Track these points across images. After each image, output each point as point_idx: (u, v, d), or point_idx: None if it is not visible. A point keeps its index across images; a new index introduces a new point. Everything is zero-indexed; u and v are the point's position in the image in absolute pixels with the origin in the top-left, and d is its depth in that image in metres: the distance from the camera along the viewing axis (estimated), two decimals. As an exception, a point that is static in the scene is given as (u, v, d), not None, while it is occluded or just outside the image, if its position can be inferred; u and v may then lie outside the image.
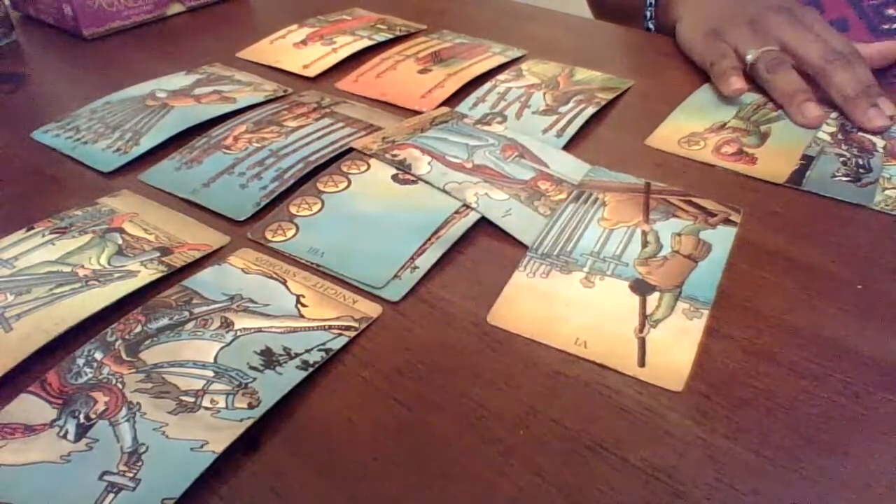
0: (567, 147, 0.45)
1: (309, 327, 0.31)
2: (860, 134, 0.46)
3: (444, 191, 0.40)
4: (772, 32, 0.51)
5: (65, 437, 0.26)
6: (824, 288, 0.34)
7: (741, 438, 0.27)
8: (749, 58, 0.51)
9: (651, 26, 0.66)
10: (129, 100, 0.49)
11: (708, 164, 0.43)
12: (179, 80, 0.52)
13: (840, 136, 0.46)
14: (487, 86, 0.52)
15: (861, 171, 0.42)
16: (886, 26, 0.57)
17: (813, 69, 0.49)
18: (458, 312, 0.33)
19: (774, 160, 0.43)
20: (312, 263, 0.35)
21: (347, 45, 0.58)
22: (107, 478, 0.24)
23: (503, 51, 0.58)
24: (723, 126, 0.47)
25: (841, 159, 0.43)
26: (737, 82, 0.49)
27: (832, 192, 0.40)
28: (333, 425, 0.27)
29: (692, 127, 0.47)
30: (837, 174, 0.42)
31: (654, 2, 0.65)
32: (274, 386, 0.28)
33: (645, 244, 0.36)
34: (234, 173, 0.41)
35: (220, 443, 0.25)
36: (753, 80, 0.51)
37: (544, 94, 0.51)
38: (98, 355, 0.29)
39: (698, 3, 0.58)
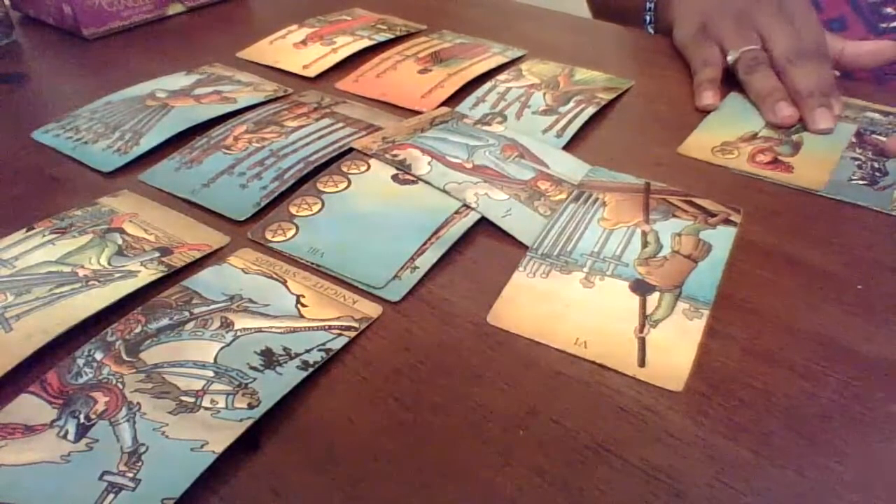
0: (567, 147, 0.45)
1: (309, 327, 0.31)
2: (874, 136, 0.46)
3: (444, 191, 0.40)
4: (755, 26, 0.52)
5: (65, 437, 0.26)
6: (824, 288, 0.34)
7: (741, 438, 0.27)
8: (730, 59, 0.51)
9: (651, 30, 0.67)
10: (129, 100, 0.49)
11: (745, 172, 0.43)
12: (179, 80, 0.52)
13: (854, 140, 0.45)
14: (487, 86, 0.52)
15: (877, 174, 0.42)
16: (884, 25, 0.57)
17: (776, 66, 0.49)
18: (458, 312, 0.33)
19: (811, 168, 0.43)
20: (312, 263, 0.35)
21: (347, 46, 0.58)
22: (107, 478, 0.24)
23: (503, 51, 0.58)
24: (754, 136, 0.46)
25: (856, 163, 0.43)
26: (708, 97, 0.50)
27: (851, 197, 0.40)
28: (333, 425, 0.27)
29: (723, 136, 0.46)
30: (854, 178, 0.42)
31: (653, 6, 0.66)
32: (274, 386, 0.28)
33: (645, 244, 0.36)
34: (235, 173, 0.41)
35: (220, 443, 0.25)
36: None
37: (544, 94, 0.51)
38: (98, 355, 0.29)
39: (692, 2, 0.58)
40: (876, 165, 0.43)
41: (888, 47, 0.51)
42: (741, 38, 0.52)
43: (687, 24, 0.57)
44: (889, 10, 0.57)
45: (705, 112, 0.49)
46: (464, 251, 0.36)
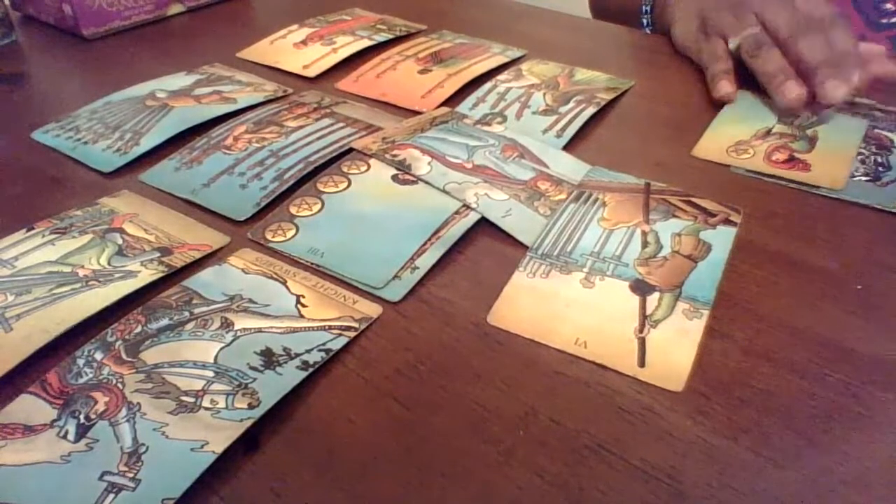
0: (567, 147, 0.45)
1: (309, 327, 0.31)
2: (877, 131, 0.45)
3: (444, 191, 0.40)
4: (753, 11, 0.51)
5: (65, 437, 0.26)
6: (824, 288, 0.34)
7: (741, 438, 0.27)
8: (732, 45, 0.51)
9: (648, 32, 0.67)
10: (129, 100, 0.49)
11: (763, 173, 0.42)
12: (179, 80, 0.52)
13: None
14: (487, 86, 0.52)
15: (880, 169, 0.41)
16: (885, 20, 0.57)
17: (780, 42, 0.48)
18: (458, 312, 0.33)
19: (829, 165, 0.42)
20: (312, 263, 0.35)
21: (347, 46, 0.58)
22: (107, 478, 0.24)
23: (503, 51, 0.58)
24: (768, 132, 0.46)
25: (859, 157, 0.42)
26: (725, 87, 0.49)
27: (853, 195, 0.40)
28: (333, 425, 0.27)
29: (738, 135, 0.45)
30: (857, 174, 0.41)
31: (649, 9, 0.66)
32: (274, 386, 0.28)
33: (645, 244, 0.36)
34: (235, 173, 0.41)
35: (220, 443, 0.25)
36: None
37: (544, 94, 0.51)
38: (98, 355, 0.29)
39: (689, 1, 0.58)
40: (879, 160, 0.42)
41: (875, 50, 0.51)
42: (741, 24, 0.51)
43: (686, 22, 0.57)
44: (889, 5, 0.57)
45: (707, 112, 0.49)
46: (464, 251, 0.36)
